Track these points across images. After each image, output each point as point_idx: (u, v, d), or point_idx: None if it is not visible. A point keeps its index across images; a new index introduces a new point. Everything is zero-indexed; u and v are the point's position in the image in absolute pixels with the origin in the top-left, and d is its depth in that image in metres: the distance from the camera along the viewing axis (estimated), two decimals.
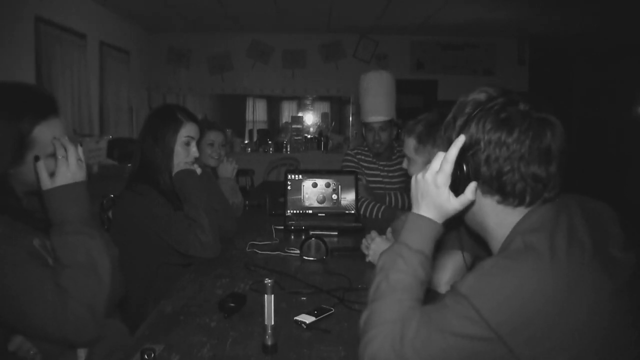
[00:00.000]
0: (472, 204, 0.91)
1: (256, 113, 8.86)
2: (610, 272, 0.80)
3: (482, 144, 0.87)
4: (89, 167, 1.22)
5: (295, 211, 2.35)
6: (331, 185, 2.37)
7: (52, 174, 1.13)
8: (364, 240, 1.75)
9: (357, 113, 5.14)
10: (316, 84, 6.77)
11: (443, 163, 0.90)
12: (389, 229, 1.73)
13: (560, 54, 7.63)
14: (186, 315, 1.23)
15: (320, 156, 6.47)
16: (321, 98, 7.97)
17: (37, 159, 1.12)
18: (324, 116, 8.17)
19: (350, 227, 2.21)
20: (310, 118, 8.21)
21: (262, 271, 1.60)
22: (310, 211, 2.36)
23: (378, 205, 2.49)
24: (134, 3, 5.13)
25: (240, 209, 2.50)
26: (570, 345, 0.76)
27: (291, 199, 2.35)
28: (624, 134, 7.08)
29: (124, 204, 1.75)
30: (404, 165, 1.88)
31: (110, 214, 2.16)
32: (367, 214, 2.48)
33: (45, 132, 1.15)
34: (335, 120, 8.09)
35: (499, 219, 0.91)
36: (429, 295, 0.95)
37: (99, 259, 1.11)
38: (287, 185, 2.36)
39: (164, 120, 1.76)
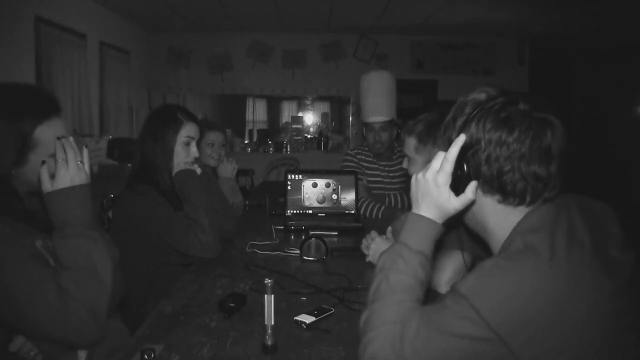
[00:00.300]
0: (472, 203, 0.91)
1: (256, 113, 8.86)
2: (610, 272, 0.80)
3: (482, 143, 0.87)
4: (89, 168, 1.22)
5: (295, 211, 2.35)
6: (331, 185, 2.37)
7: (53, 176, 1.13)
8: (364, 240, 1.75)
9: (357, 113, 5.14)
10: (316, 84, 6.77)
11: (443, 162, 0.90)
12: (389, 229, 1.73)
13: (560, 54, 7.63)
14: (186, 315, 1.23)
15: (320, 156, 6.47)
16: (321, 98, 7.97)
17: (43, 163, 1.12)
18: (324, 116, 8.16)
19: (350, 227, 2.21)
20: (310, 118, 8.20)
21: (262, 271, 1.60)
22: (310, 211, 2.36)
23: (378, 205, 2.49)
24: (134, 3, 5.13)
25: (240, 209, 2.50)
26: (570, 346, 0.76)
27: (291, 199, 2.36)
28: (624, 134, 7.07)
29: (124, 204, 1.75)
30: (404, 165, 1.88)
31: (110, 214, 2.16)
32: (367, 214, 2.48)
33: (48, 132, 1.15)
34: (335, 120, 8.09)
35: (499, 218, 0.91)
36: (429, 295, 0.95)
37: (100, 262, 1.11)
38: (287, 185, 2.36)
39: (164, 120, 1.76)
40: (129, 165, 2.00)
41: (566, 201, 0.90)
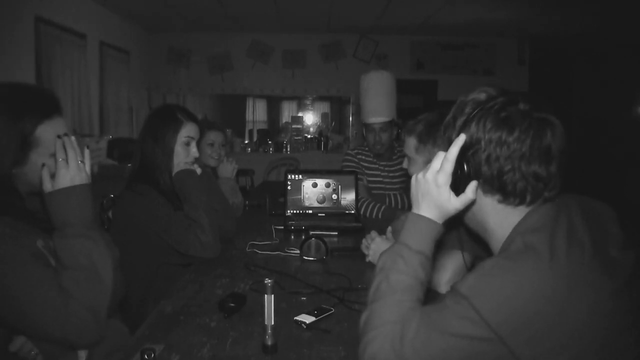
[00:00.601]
0: (472, 203, 0.91)
1: (256, 113, 8.86)
2: (610, 272, 0.80)
3: (482, 143, 0.87)
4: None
5: (295, 211, 2.35)
6: (331, 185, 2.37)
7: (54, 176, 1.13)
8: (364, 240, 1.75)
9: (357, 113, 5.14)
10: (316, 84, 6.77)
11: (444, 162, 0.90)
12: (389, 229, 1.73)
13: (560, 54, 7.63)
14: (186, 315, 1.23)
15: (320, 156, 6.47)
16: (321, 98, 7.97)
17: (43, 165, 1.12)
18: (324, 116, 8.17)
19: (350, 227, 2.21)
20: (310, 118, 8.21)
21: (262, 271, 1.60)
22: (310, 211, 2.36)
23: (378, 205, 2.49)
24: (134, 3, 5.13)
25: (240, 209, 2.50)
26: (570, 346, 0.76)
27: (291, 199, 2.36)
28: (624, 134, 7.07)
29: (124, 204, 1.75)
30: (404, 165, 1.88)
31: (110, 214, 2.16)
32: (367, 214, 2.48)
33: (49, 132, 1.15)
34: (335, 120, 8.09)
35: (500, 218, 0.91)
36: (429, 295, 0.95)
37: (100, 261, 1.11)
38: (287, 185, 2.36)
39: (164, 120, 1.76)
40: (129, 165, 2.00)
41: (566, 201, 0.90)
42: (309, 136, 7.10)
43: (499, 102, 0.88)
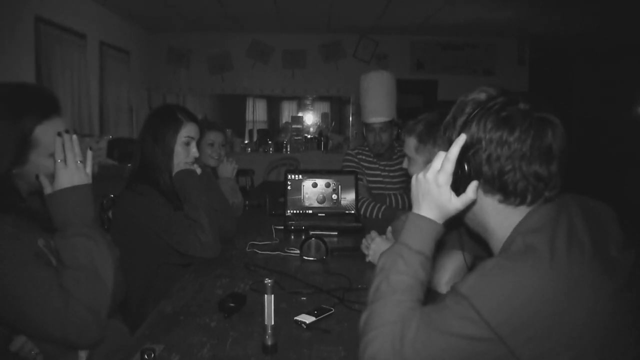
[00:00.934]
0: (473, 203, 0.91)
1: (256, 113, 8.86)
2: (610, 273, 0.80)
3: (483, 143, 0.87)
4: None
5: (295, 211, 2.35)
6: (331, 185, 2.37)
7: (53, 176, 1.13)
8: (364, 240, 1.75)
9: (357, 113, 5.14)
10: (316, 84, 6.77)
11: (444, 162, 0.90)
12: (389, 229, 1.73)
13: (560, 54, 7.63)
14: (186, 315, 1.23)
15: (320, 156, 6.47)
16: (321, 98, 7.97)
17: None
18: (324, 116, 8.16)
19: (350, 227, 2.21)
20: (310, 118, 8.20)
21: (262, 271, 1.60)
22: (310, 211, 2.36)
23: (378, 205, 2.49)
24: (134, 3, 5.13)
25: (240, 209, 2.50)
26: (570, 346, 0.76)
27: (291, 199, 2.35)
28: (624, 134, 7.07)
29: (124, 204, 1.75)
30: (404, 165, 1.88)
31: (110, 214, 2.16)
32: (367, 214, 2.48)
33: (48, 132, 1.14)
34: (335, 120, 8.09)
35: (500, 218, 0.91)
36: (429, 295, 0.95)
37: (101, 261, 1.12)
38: (287, 185, 2.36)
39: (164, 120, 1.76)
40: (129, 165, 2.00)
41: (566, 201, 0.90)
42: (309, 136, 7.10)
43: (499, 102, 0.88)
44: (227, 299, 1.25)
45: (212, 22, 6.03)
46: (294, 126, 7.02)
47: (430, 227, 0.91)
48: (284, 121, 8.25)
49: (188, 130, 1.77)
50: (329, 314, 1.24)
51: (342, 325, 1.19)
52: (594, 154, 7.13)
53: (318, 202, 2.36)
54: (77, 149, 1.16)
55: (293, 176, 2.38)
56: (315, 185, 2.36)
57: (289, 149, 6.63)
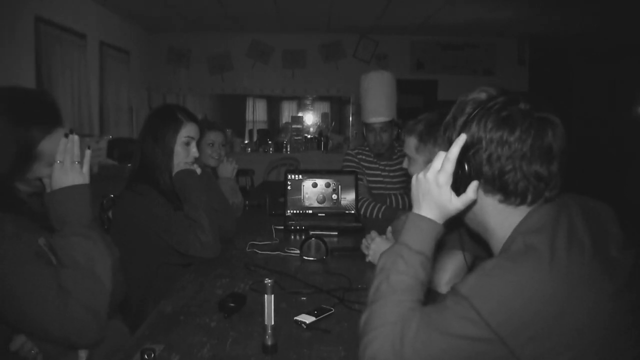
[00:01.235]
0: (473, 203, 0.91)
1: (256, 113, 8.86)
2: (610, 273, 0.80)
3: (483, 142, 0.87)
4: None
5: (295, 211, 2.35)
6: (331, 185, 2.37)
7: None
8: (364, 240, 1.75)
9: (357, 113, 5.14)
10: (316, 84, 6.77)
11: (444, 162, 0.90)
12: (389, 229, 1.73)
13: (560, 54, 7.63)
14: (186, 315, 1.23)
15: (320, 156, 6.47)
16: (321, 98, 7.97)
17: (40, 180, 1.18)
18: (324, 116, 8.17)
19: (350, 227, 2.21)
20: (310, 118, 8.21)
21: (262, 271, 1.60)
22: (310, 211, 2.36)
23: (378, 205, 2.49)
24: (134, 3, 5.12)
25: (240, 209, 2.50)
26: (570, 346, 0.76)
27: (291, 199, 2.35)
28: (624, 134, 7.07)
29: (124, 204, 1.75)
30: (404, 164, 1.88)
31: (110, 214, 2.16)
32: (367, 214, 2.48)
33: (50, 145, 1.16)
34: (335, 120, 8.09)
35: (500, 218, 0.91)
36: (429, 295, 0.95)
37: (99, 261, 1.12)
38: (287, 185, 2.36)
39: (164, 120, 1.76)
40: (129, 165, 2.00)
41: (566, 201, 0.90)
42: (309, 136, 7.10)
43: (499, 102, 0.88)
44: (227, 299, 1.25)
45: (212, 22, 6.03)
46: (294, 126, 7.02)
47: (431, 227, 0.91)
48: (284, 121, 8.25)
49: (188, 130, 1.77)
50: (329, 314, 1.24)
51: (342, 325, 1.19)
52: (594, 154, 7.13)
53: (318, 202, 2.36)
54: (76, 150, 1.18)
55: (293, 176, 2.38)
56: (315, 185, 2.36)
57: (289, 149, 6.63)
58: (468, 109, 0.91)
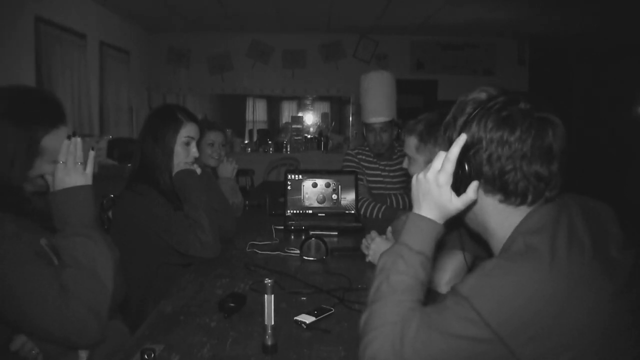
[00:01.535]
0: (473, 203, 0.91)
1: (256, 113, 8.86)
2: (610, 273, 0.80)
3: (483, 142, 0.87)
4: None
5: (295, 211, 2.35)
6: (331, 185, 2.37)
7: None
8: (364, 240, 1.75)
9: (357, 113, 5.13)
10: (316, 84, 6.77)
11: (445, 162, 0.90)
12: (389, 229, 1.73)
13: (560, 54, 7.63)
14: (186, 315, 1.23)
15: (320, 156, 6.47)
16: (321, 98, 7.97)
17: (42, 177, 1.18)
18: (324, 116, 8.17)
19: (350, 227, 2.21)
20: (310, 118, 8.21)
21: (262, 271, 1.60)
22: (310, 211, 2.35)
23: (378, 205, 2.49)
24: (134, 3, 5.12)
25: (240, 209, 2.50)
26: (570, 346, 0.76)
27: (291, 199, 2.35)
28: (624, 134, 7.07)
29: (124, 204, 1.75)
30: (405, 164, 1.88)
31: (110, 214, 2.16)
32: (367, 214, 2.48)
33: (54, 141, 1.17)
34: (335, 120, 8.09)
35: (501, 218, 0.91)
36: (430, 295, 0.95)
37: (101, 261, 1.13)
38: (287, 185, 2.36)
39: (164, 120, 1.76)
40: (129, 165, 2.00)
41: (566, 201, 0.90)
42: (309, 136, 7.10)
43: (499, 102, 0.88)
44: (227, 299, 1.25)
45: (212, 22, 6.03)
46: (294, 126, 7.02)
47: (431, 227, 0.91)
48: (284, 121, 8.25)
49: (188, 130, 1.77)
50: (329, 314, 1.24)
51: (342, 325, 1.19)
52: (594, 154, 7.13)
53: (318, 202, 2.36)
54: (79, 151, 1.19)
55: (293, 176, 2.38)
56: (315, 185, 2.36)
57: (289, 149, 6.63)
58: (468, 109, 0.91)
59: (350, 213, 2.35)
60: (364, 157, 2.77)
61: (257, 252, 1.83)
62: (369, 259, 1.69)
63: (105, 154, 4.53)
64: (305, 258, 1.74)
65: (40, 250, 1.11)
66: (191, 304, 1.31)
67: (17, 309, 1.04)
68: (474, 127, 0.88)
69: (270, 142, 6.80)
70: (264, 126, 8.40)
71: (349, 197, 2.36)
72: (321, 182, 2.37)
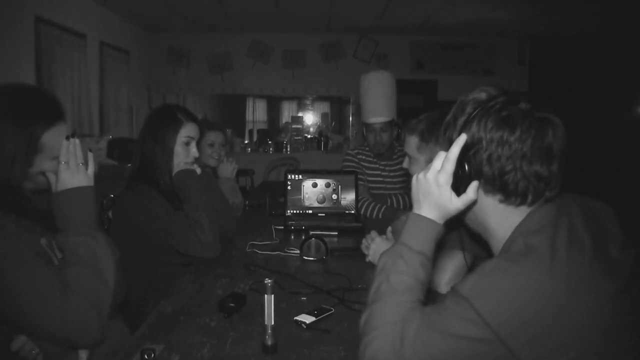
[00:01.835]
0: (473, 203, 0.91)
1: (256, 113, 8.86)
2: (610, 273, 0.80)
3: (483, 142, 0.87)
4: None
5: (295, 211, 2.35)
6: (331, 185, 2.37)
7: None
8: (364, 240, 1.75)
9: (357, 113, 5.13)
10: (316, 84, 6.77)
11: (445, 162, 0.90)
12: (389, 229, 1.73)
13: (560, 54, 7.63)
14: (186, 315, 1.23)
15: (320, 156, 6.47)
16: (321, 98, 7.97)
17: (44, 173, 1.18)
18: (324, 116, 8.16)
19: (350, 227, 2.21)
20: (310, 118, 8.20)
21: (262, 271, 1.60)
22: (310, 211, 2.35)
23: (378, 205, 2.49)
24: (134, 3, 5.12)
25: (240, 209, 2.50)
26: (570, 346, 0.76)
27: (291, 199, 2.35)
28: (624, 134, 7.07)
29: (124, 204, 1.75)
30: (405, 164, 1.87)
31: (110, 214, 2.16)
32: (367, 214, 2.48)
33: (53, 138, 1.18)
34: (335, 120, 8.09)
35: (501, 218, 0.91)
36: (430, 295, 0.95)
37: (103, 260, 1.14)
38: (287, 185, 2.36)
39: (164, 120, 1.76)
40: (129, 165, 2.00)
41: (566, 201, 0.90)
42: (309, 136, 7.10)
43: (500, 102, 0.88)
44: (227, 299, 1.25)
45: (212, 22, 6.03)
46: (294, 126, 7.02)
47: (431, 227, 0.91)
48: (284, 121, 8.25)
49: (188, 130, 1.77)
50: (329, 314, 1.24)
51: (342, 325, 1.19)
52: (594, 154, 7.13)
53: (318, 202, 2.36)
54: (79, 152, 1.19)
55: (293, 176, 2.38)
56: (315, 185, 2.36)
57: (289, 149, 6.63)
58: (468, 109, 0.91)
59: (350, 213, 2.35)
60: (364, 157, 2.77)
61: (257, 252, 1.83)
62: (369, 259, 1.68)
63: (105, 154, 4.53)
64: (305, 258, 1.74)
65: (41, 250, 1.11)
66: (191, 304, 1.31)
67: (17, 309, 1.04)
68: (474, 127, 0.88)
69: (270, 142, 6.80)
70: (264, 126, 8.40)
71: (349, 197, 2.36)
72: (321, 182, 2.37)
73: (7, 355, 1.12)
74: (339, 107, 8.23)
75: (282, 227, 2.19)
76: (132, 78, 5.89)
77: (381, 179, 2.73)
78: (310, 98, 8.06)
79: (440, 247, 1.06)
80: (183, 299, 1.34)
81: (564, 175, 0.87)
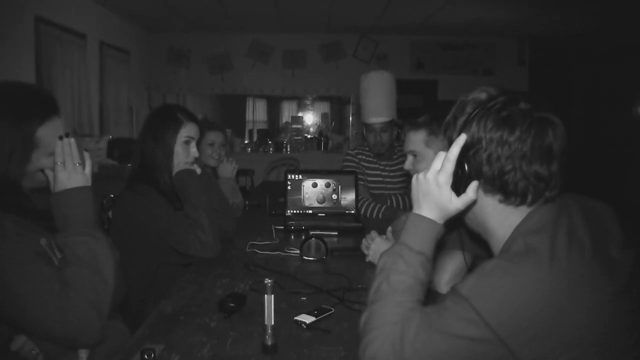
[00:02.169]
0: (473, 203, 0.91)
1: (256, 113, 8.86)
2: (610, 273, 0.80)
3: (483, 142, 0.87)
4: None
5: (295, 211, 2.35)
6: (331, 185, 2.37)
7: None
8: (364, 240, 1.75)
9: (357, 113, 5.13)
10: (316, 84, 6.77)
11: (444, 162, 0.90)
12: (389, 229, 1.73)
13: (560, 54, 7.63)
14: (186, 315, 1.23)
15: (320, 156, 6.47)
16: (321, 98, 7.97)
17: (42, 171, 1.18)
18: (324, 116, 8.17)
19: (350, 227, 2.21)
20: (310, 118, 8.21)
21: (262, 271, 1.60)
22: (310, 211, 2.35)
23: (378, 205, 2.49)
24: (134, 3, 5.12)
25: (240, 209, 2.50)
26: (570, 346, 0.76)
27: (291, 199, 2.35)
28: (624, 134, 7.07)
29: (124, 204, 1.75)
30: (407, 165, 1.86)
31: (110, 214, 2.16)
32: (367, 214, 2.48)
33: (48, 133, 1.17)
34: (335, 120, 8.09)
35: (500, 218, 0.91)
36: (429, 295, 0.95)
37: (103, 260, 1.13)
38: (287, 185, 2.36)
39: (164, 120, 1.76)
40: (129, 165, 2.00)
41: (566, 201, 0.90)
42: (309, 136, 7.10)
43: (499, 102, 0.88)
44: (227, 299, 1.25)
45: (212, 22, 6.03)
46: (294, 126, 7.02)
47: (431, 227, 0.91)
48: (284, 121, 8.25)
49: (188, 130, 1.77)
50: (329, 314, 1.24)
51: (342, 325, 1.19)
52: (594, 154, 7.13)
53: (318, 202, 2.36)
54: (75, 151, 1.18)
55: (293, 176, 2.38)
56: (315, 185, 2.36)
57: (289, 149, 6.63)
58: (468, 109, 0.91)
59: (350, 213, 2.35)
60: (364, 157, 2.77)
61: (257, 252, 1.83)
62: (369, 259, 1.68)
63: (105, 154, 4.53)
64: (305, 258, 1.74)
65: (41, 250, 1.11)
66: (191, 304, 1.31)
67: (17, 309, 1.04)
68: (473, 127, 0.88)
69: (270, 142, 6.80)
70: (264, 126, 8.41)
71: (349, 197, 2.36)
72: (321, 182, 2.37)
73: (7, 355, 1.12)
74: (339, 107, 8.23)
75: (282, 227, 2.19)
76: (132, 78, 5.88)
77: (381, 179, 2.73)
78: (310, 98, 8.06)
79: (440, 247, 1.06)
80: (183, 299, 1.34)
81: (564, 175, 0.87)
